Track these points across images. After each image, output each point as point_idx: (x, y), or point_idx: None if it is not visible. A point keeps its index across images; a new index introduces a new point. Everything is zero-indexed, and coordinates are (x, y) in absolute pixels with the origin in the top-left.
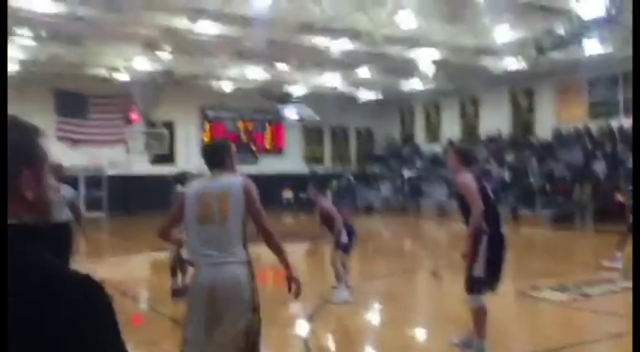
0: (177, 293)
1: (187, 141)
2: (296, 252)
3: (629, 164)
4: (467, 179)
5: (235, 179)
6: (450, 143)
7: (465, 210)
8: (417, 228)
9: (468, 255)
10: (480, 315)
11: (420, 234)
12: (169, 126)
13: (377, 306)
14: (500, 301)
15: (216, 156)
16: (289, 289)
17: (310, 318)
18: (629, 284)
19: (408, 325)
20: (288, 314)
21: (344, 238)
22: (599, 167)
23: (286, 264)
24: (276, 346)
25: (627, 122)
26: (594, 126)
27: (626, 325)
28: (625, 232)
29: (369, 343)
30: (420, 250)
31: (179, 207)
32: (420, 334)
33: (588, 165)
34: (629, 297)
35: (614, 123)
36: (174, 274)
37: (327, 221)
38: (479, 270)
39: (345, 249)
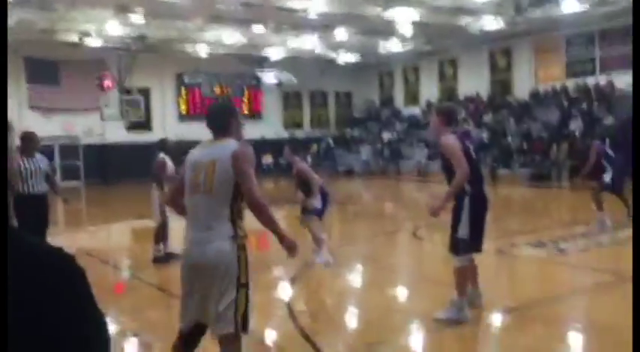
0: (158, 260)
1: (163, 108)
2: (279, 216)
3: (605, 121)
4: (450, 140)
5: (228, 144)
6: (429, 105)
7: (449, 171)
8: (397, 190)
9: (436, 210)
10: (461, 275)
11: (400, 196)
12: (145, 92)
13: (359, 268)
14: (479, 259)
15: (218, 119)
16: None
17: (293, 281)
18: (603, 239)
19: (390, 286)
20: (270, 278)
21: (317, 203)
22: (576, 125)
23: (281, 238)
24: (259, 309)
25: (603, 80)
26: (571, 84)
27: (601, 277)
28: (596, 192)
29: (352, 304)
30: (401, 212)
31: (181, 175)
32: (402, 295)
33: (565, 123)
34: (603, 251)
35: (591, 81)
36: (157, 241)
37: (304, 184)
38: (463, 231)
39: (319, 214)
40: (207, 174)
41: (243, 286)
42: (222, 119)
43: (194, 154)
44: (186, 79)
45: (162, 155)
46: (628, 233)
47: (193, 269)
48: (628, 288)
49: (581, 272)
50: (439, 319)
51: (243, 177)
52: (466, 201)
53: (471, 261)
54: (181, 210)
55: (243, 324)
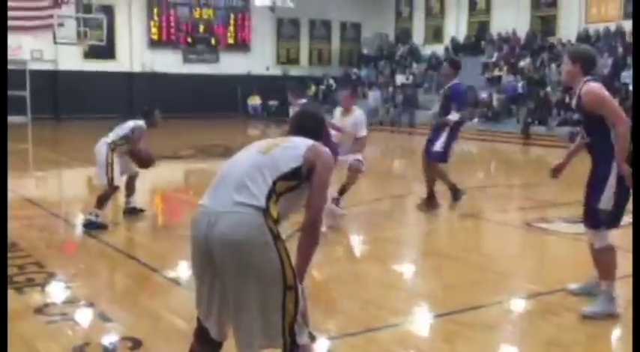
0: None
1: (130, 32)
2: None
3: None
4: (598, 89)
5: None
6: (454, 43)
7: (593, 129)
8: (409, 145)
9: (629, 180)
10: (606, 255)
11: (412, 152)
12: (108, 10)
13: (357, 238)
14: (504, 235)
15: (309, 131)
16: None
17: None
18: None
19: (395, 260)
20: None
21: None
22: (630, 77)
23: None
24: None
25: None
26: (628, 26)
27: None
28: None
29: (348, 281)
30: (412, 172)
31: None
32: (409, 271)
33: (617, 74)
34: None
35: None
36: (129, 194)
37: None
38: (606, 202)
39: None
40: (271, 142)
41: (290, 288)
42: (314, 131)
43: None
44: None
45: (142, 123)
46: None
47: (204, 240)
48: None
49: (622, 254)
50: (587, 314)
51: (316, 178)
52: (613, 164)
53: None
54: None
55: (291, 338)
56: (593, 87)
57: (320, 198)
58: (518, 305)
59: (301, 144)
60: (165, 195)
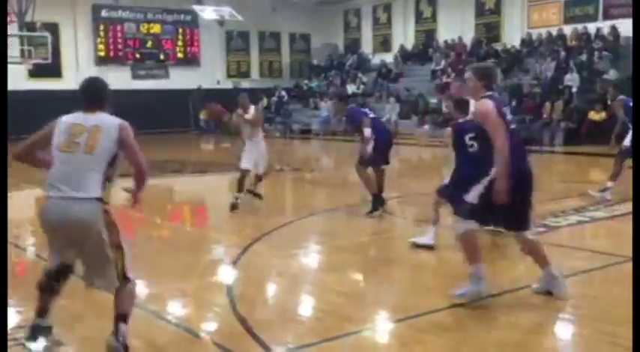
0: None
1: (76, 49)
2: (220, 185)
3: (607, 75)
4: (485, 105)
5: (109, 116)
6: (402, 51)
7: (482, 144)
8: None
9: (504, 195)
10: (464, 241)
11: None
12: (52, 28)
13: (315, 248)
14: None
15: (96, 93)
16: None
17: (235, 264)
18: (601, 214)
19: (353, 269)
20: (208, 259)
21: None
22: (572, 80)
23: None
24: (194, 297)
25: (606, 27)
26: (569, 31)
27: (592, 259)
28: (618, 157)
29: (306, 291)
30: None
31: (49, 130)
32: (367, 280)
33: (560, 77)
34: (598, 229)
35: (592, 28)
36: (240, 189)
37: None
38: (472, 197)
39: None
40: (90, 137)
41: (118, 248)
42: (99, 94)
43: (68, 118)
44: (105, 13)
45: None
46: (626, 208)
47: (58, 222)
48: (620, 274)
49: (571, 253)
50: (458, 296)
51: (134, 148)
52: (493, 170)
53: (472, 229)
54: (36, 164)
55: (124, 278)
56: (482, 102)
57: (141, 157)
58: (472, 307)
59: (111, 128)
60: (117, 212)
